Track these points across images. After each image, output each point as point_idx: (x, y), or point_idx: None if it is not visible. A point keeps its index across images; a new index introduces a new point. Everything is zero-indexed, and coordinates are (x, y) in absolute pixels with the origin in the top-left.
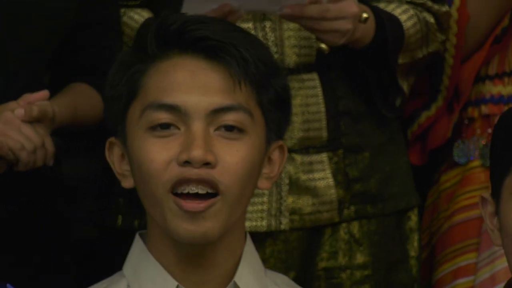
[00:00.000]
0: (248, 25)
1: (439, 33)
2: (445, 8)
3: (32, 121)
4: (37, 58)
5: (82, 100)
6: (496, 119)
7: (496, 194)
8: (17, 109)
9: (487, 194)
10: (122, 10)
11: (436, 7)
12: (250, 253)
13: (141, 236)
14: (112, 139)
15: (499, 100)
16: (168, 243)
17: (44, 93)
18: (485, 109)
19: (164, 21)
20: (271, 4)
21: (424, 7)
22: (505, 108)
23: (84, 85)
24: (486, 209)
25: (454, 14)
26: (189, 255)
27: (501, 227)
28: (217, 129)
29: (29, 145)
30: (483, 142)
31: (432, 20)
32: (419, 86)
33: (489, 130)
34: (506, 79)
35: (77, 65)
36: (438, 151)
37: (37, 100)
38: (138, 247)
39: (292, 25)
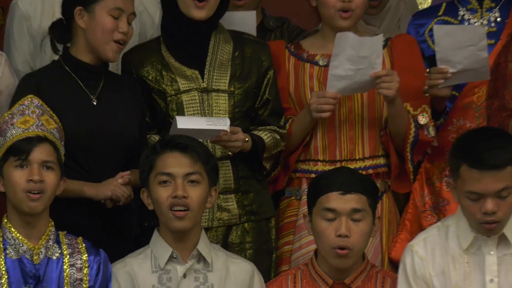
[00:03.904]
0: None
1: (282, 142)
2: (285, 131)
3: (125, 184)
4: (121, 161)
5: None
6: (303, 181)
7: (309, 213)
8: (119, 180)
9: (306, 212)
10: (149, 135)
11: (280, 130)
12: (203, 235)
13: (157, 230)
14: (143, 189)
15: (303, 171)
16: (169, 232)
17: (128, 172)
18: (298, 174)
19: (164, 139)
20: (207, 136)
21: (274, 131)
22: (305, 175)
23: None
24: (306, 219)
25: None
26: (178, 237)
27: (312, 228)
28: (187, 182)
29: (127, 194)
30: (297, 187)
31: (278, 137)
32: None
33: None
34: (307, 162)
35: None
36: (282, 191)
37: (126, 175)
38: (155, 234)
39: None
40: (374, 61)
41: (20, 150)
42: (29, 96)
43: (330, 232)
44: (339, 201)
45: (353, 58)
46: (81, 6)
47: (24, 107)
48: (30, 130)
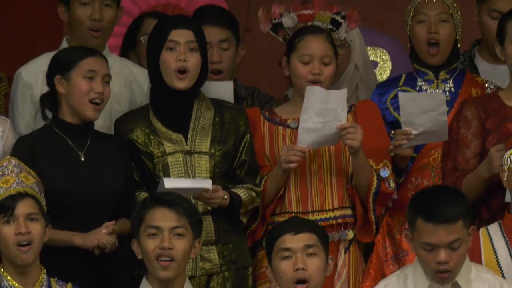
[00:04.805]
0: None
1: (257, 199)
2: (260, 189)
3: (110, 233)
4: (107, 213)
5: (126, 225)
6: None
7: (270, 263)
8: (104, 230)
9: (267, 263)
10: (137, 193)
11: (256, 188)
12: (187, 283)
13: (146, 277)
14: (134, 240)
15: (275, 223)
16: (156, 279)
17: (113, 222)
18: (271, 227)
19: (153, 195)
20: (192, 193)
21: (251, 189)
22: (271, 227)
23: (126, 219)
24: (268, 270)
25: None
26: (164, 284)
27: (273, 272)
28: (174, 234)
29: (112, 242)
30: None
31: (254, 194)
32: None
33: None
34: (283, 214)
35: (119, 210)
36: (260, 241)
37: (111, 225)
38: (144, 281)
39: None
40: (340, 114)
41: (5, 208)
42: (7, 157)
43: (289, 269)
44: (292, 240)
45: (321, 111)
46: (60, 75)
47: (4, 168)
48: (12, 188)
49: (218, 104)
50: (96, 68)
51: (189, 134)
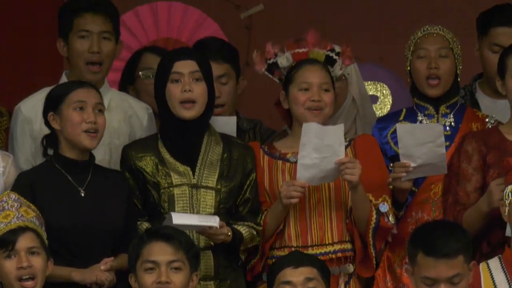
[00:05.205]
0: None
1: (257, 238)
2: (260, 228)
3: (108, 270)
4: (107, 249)
5: (125, 260)
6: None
7: None
8: (102, 266)
9: None
10: (139, 222)
11: (257, 227)
12: None
13: None
14: (131, 275)
15: (274, 257)
16: None
17: (111, 258)
18: (275, 260)
19: (150, 229)
20: (197, 229)
21: (252, 227)
22: (270, 261)
23: (125, 254)
24: None
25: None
26: None
27: None
28: (171, 268)
29: (110, 279)
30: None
31: (254, 232)
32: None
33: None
34: (282, 248)
35: (119, 244)
36: (259, 275)
37: (109, 261)
38: None
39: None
40: (337, 149)
41: (6, 242)
42: (6, 192)
43: None
44: (293, 274)
45: (318, 147)
46: (52, 111)
47: (3, 203)
48: (12, 223)
49: (227, 140)
50: (85, 98)
51: (197, 168)
